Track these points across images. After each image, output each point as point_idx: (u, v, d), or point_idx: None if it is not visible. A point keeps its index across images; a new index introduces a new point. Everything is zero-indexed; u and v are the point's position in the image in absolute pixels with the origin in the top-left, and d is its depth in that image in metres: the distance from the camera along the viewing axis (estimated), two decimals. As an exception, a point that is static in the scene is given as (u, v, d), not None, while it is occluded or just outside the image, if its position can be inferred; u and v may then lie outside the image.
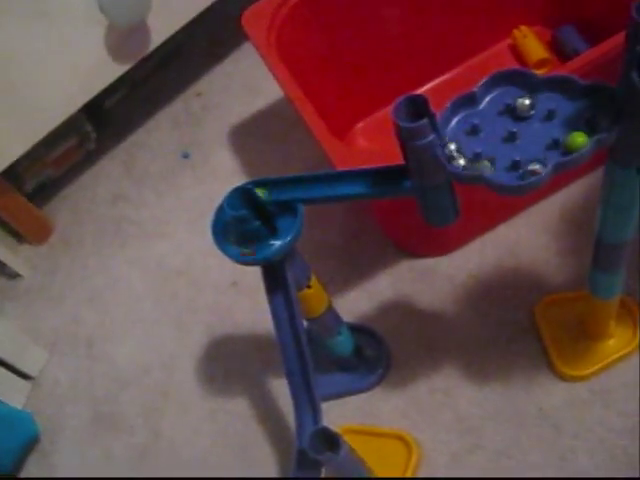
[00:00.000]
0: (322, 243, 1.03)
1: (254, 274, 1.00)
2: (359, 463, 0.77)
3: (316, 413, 0.72)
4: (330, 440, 0.70)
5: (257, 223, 0.64)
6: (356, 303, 0.96)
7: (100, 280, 1.14)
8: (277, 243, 0.65)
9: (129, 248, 1.15)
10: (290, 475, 0.73)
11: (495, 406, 0.86)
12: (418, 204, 0.63)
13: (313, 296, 0.76)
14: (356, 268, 1.00)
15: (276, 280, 0.70)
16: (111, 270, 1.14)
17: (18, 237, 1.22)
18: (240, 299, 1.03)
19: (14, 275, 1.18)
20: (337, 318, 0.83)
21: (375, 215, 1.01)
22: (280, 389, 0.93)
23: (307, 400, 0.73)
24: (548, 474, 0.81)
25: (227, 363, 0.99)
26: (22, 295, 1.17)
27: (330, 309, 0.80)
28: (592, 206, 0.69)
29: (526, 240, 0.96)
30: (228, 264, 0.94)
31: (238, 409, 0.95)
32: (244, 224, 0.65)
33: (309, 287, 0.75)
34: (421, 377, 0.90)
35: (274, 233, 0.65)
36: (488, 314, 0.92)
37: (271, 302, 0.71)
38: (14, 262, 1.17)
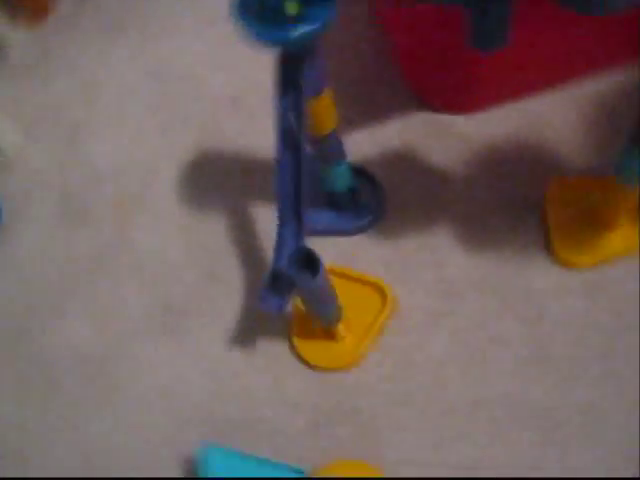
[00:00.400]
0: (339, 75, 0.95)
1: (257, 93, 0.95)
2: (332, 295, 0.73)
3: (300, 237, 0.68)
4: (310, 262, 0.66)
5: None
6: (361, 144, 0.90)
7: (94, 70, 1.05)
8: (305, 27, 0.57)
9: (131, 43, 1.06)
10: (260, 294, 0.69)
11: (483, 275, 0.81)
12: (467, 16, 0.56)
13: (325, 109, 0.69)
14: (368, 109, 0.93)
15: (290, 77, 0.63)
16: (109, 62, 1.05)
17: (14, 11, 1.12)
18: (237, 117, 0.96)
19: (4, 50, 1.10)
20: (341, 146, 0.77)
21: (400, 57, 0.94)
22: (259, 216, 0.89)
23: (293, 221, 0.68)
24: (516, 352, 0.77)
25: (210, 179, 0.93)
26: (9, 71, 1.08)
27: (336, 132, 0.74)
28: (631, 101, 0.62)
29: (553, 118, 0.89)
30: (232, 78, 0.88)
31: (212, 227, 0.90)
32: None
33: (322, 97, 0.68)
34: (412, 232, 0.85)
35: (302, 16, 0.58)
36: (497, 184, 0.86)
37: (278, 101, 0.64)
38: (7, 37, 1.09)
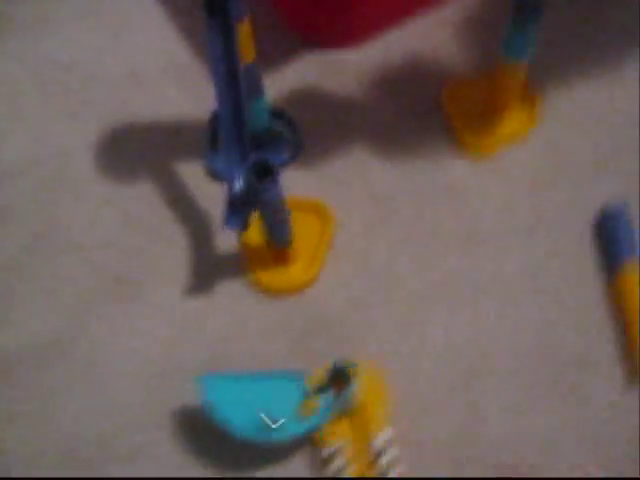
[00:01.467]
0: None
1: (154, 64, 0.98)
2: (287, 209, 0.77)
3: (248, 157, 0.72)
4: (267, 171, 0.70)
5: None
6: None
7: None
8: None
9: (10, 43, 1.04)
10: (223, 216, 0.71)
11: (406, 179, 0.89)
12: None
13: (245, 37, 0.73)
14: (262, 59, 0.97)
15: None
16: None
17: None
18: (139, 90, 0.98)
19: None
20: (259, 80, 0.81)
21: (280, 4, 1.00)
22: (184, 176, 0.91)
23: (238, 145, 0.72)
24: (453, 236, 0.86)
25: (126, 149, 0.94)
26: None
27: (255, 65, 0.78)
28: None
29: (432, 36, 0.98)
30: (124, 54, 0.90)
31: (141, 194, 0.91)
32: None
33: (243, 25, 0.72)
34: (333, 155, 0.91)
35: None
36: (398, 100, 0.94)
37: (208, 25, 0.68)
38: None
